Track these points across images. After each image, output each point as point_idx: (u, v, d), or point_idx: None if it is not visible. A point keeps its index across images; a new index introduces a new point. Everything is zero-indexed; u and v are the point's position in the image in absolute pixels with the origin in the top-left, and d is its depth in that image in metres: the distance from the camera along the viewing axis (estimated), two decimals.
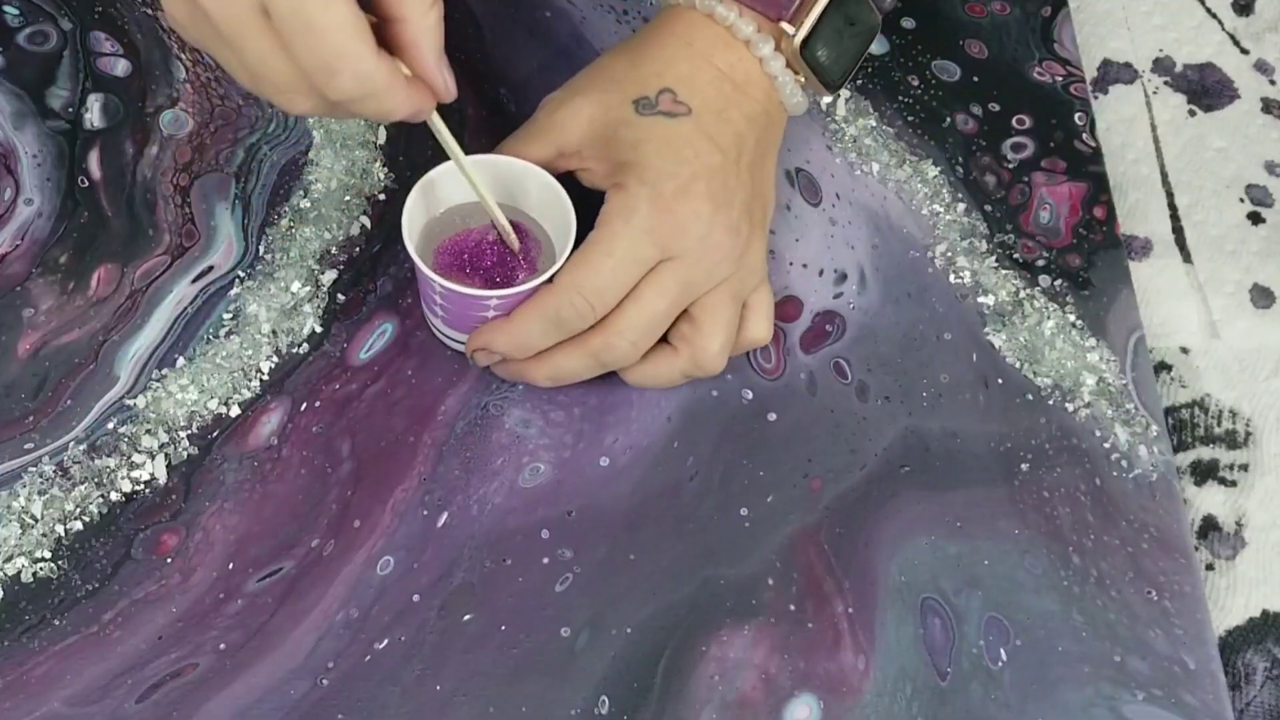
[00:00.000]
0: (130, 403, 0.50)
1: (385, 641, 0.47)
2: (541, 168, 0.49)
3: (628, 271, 0.46)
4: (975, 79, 0.60)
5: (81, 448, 0.49)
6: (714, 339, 0.48)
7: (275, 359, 0.51)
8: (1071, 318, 0.55)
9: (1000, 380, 0.54)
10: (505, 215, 0.48)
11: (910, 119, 0.59)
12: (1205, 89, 0.62)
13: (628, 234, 0.46)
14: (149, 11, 0.57)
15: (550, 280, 0.47)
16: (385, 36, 0.40)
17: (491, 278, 0.49)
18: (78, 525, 0.48)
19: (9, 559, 0.47)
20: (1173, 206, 0.60)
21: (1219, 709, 0.48)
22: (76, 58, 0.56)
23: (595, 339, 0.48)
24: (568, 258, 0.47)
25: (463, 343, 0.51)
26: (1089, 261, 0.57)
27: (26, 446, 0.49)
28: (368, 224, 0.54)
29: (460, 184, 0.48)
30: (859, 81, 0.59)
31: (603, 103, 0.49)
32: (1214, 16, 0.64)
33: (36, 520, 0.47)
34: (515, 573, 0.48)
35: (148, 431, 0.49)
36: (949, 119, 0.59)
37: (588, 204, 0.48)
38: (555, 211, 0.49)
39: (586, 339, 0.48)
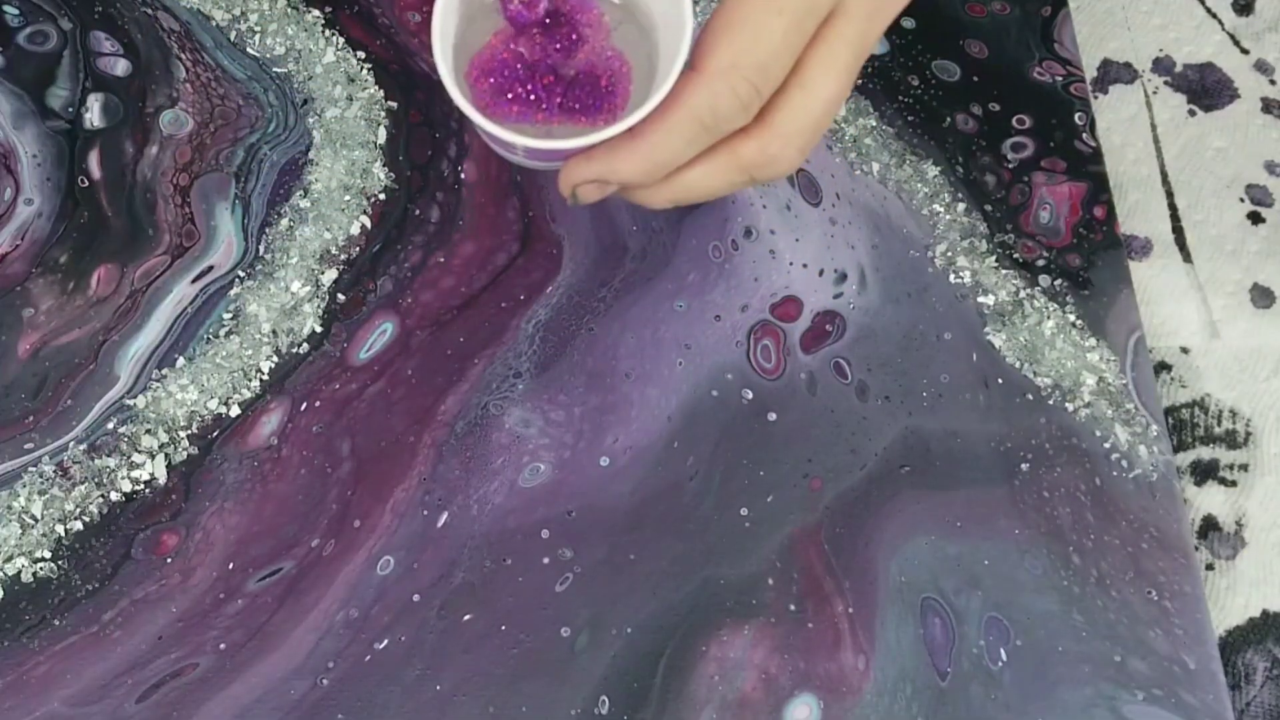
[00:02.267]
0: (130, 403, 0.50)
1: (385, 641, 0.47)
2: None
3: (801, 32, 0.35)
4: (975, 79, 0.60)
5: (81, 448, 0.49)
6: (813, 109, 0.36)
7: (275, 359, 0.51)
8: (1071, 318, 0.55)
9: (1000, 380, 0.54)
10: None
11: (910, 119, 0.59)
12: (1205, 89, 0.62)
13: None
14: (149, 11, 0.57)
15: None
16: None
17: (556, 100, 0.37)
18: (78, 525, 0.48)
19: (9, 559, 0.47)
20: (1173, 206, 0.60)
21: (1219, 709, 0.48)
22: (76, 58, 0.56)
23: (749, 148, 0.37)
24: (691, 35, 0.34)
25: (554, 168, 0.40)
26: (1089, 261, 0.57)
27: (26, 446, 0.49)
28: (368, 224, 0.54)
29: None
30: (859, 81, 0.59)
31: None
32: (1214, 16, 0.64)
33: (36, 520, 0.47)
34: (515, 573, 0.48)
35: (148, 431, 0.49)
36: (949, 119, 0.59)
37: None
38: None
39: (736, 148, 0.37)
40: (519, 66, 0.38)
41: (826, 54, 0.35)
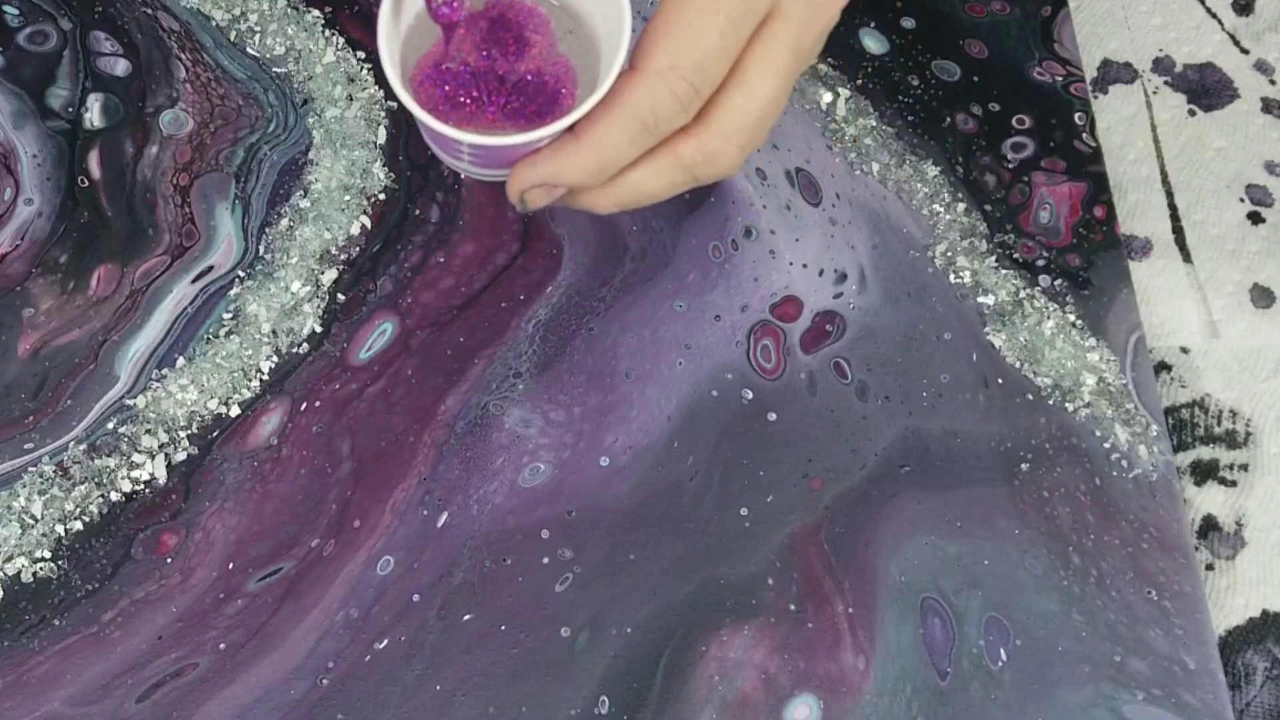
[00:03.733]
0: (130, 403, 0.50)
1: (385, 641, 0.47)
2: None
3: (739, 35, 0.35)
4: (975, 79, 0.60)
5: (81, 448, 0.49)
6: (751, 108, 0.36)
7: (275, 359, 0.51)
8: (1071, 318, 0.55)
9: (1000, 380, 0.54)
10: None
11: (910, 119, 0.59)
12: (1205, 89, 0.62)
13: None
14: (149, 11, 0.57)
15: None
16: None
17: (500, 103, 0.38)
18: (78, 525, 0.48)
19: (9, 559, 0.47)
20: (1173, 206, 0.60)
21: (1219, 709, 0.48)
22: (76, 58, 0.56)
23: (688, 146, 0.37)
24: (630, 37, 0.35)
25: (500, 177, 0.41)
26: (1089, 261, 0.57)
27: (26, 446, 0.49)
28: (368, 224, 0.54)
29: None
30: (859, 81, 0.59)
31: None
32: (1214, 16, 0.64)
33: (36, 520, 0.47)
34: (515, 573, 0.48)
35: (148, 431, 0.49)
36: (949, 119, 0.59)
37: None
38: None
39: (676, 147, 0.37)
40: (465, 71, 0.38)
41: (764, 55, 0.36)
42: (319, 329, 0.52)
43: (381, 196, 0.55)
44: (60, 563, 0.47)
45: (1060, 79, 0.61)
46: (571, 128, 0.37)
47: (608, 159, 0.36)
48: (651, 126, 0.36)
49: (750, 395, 0.52)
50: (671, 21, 0.35)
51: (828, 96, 0.59)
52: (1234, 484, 0.54)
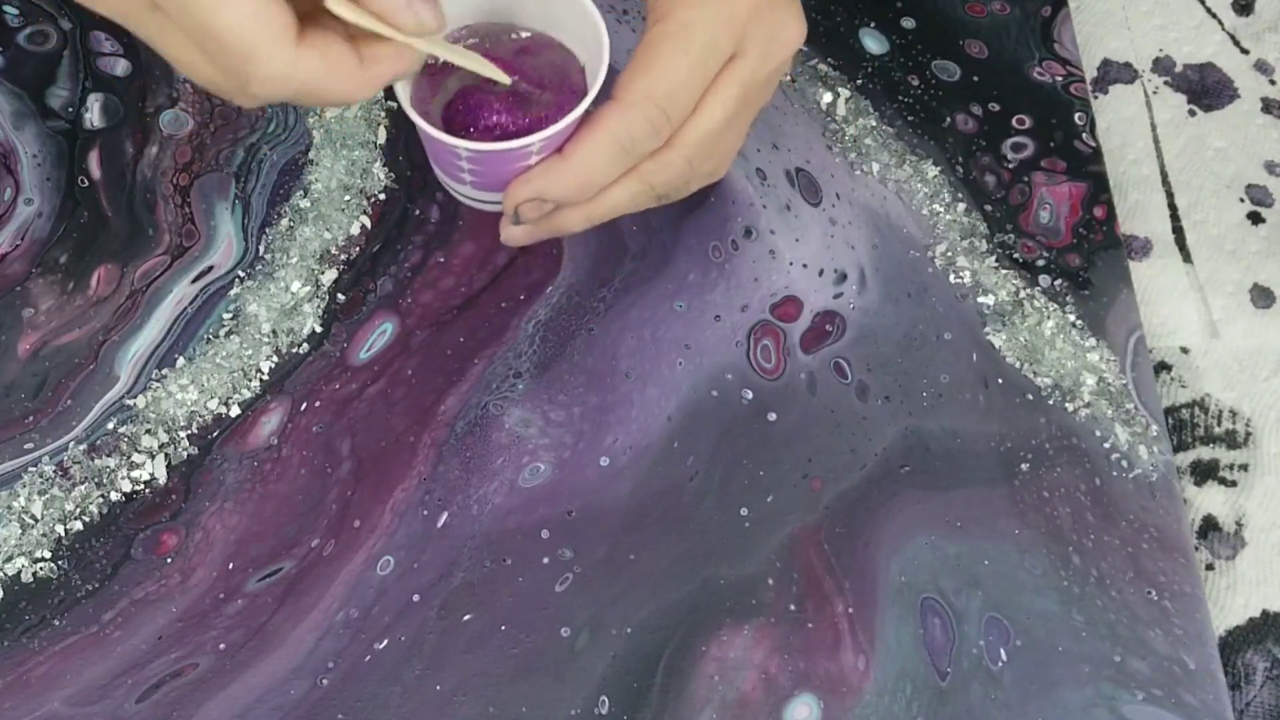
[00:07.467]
0: (130, 403, 0.50)
1: (385, 641, 0.47)
2: None
3: (705, 72, 0.40)
4: (975, 79, 0.60)
5: (81, 448, 0.49)
6: (701, 127, 0.41)
7: (275, 359, 0.51)
8: (1071, 318, 0.55)
9: (1000, 380, 0.54)
10: (509, 34, 0.43)
11: (910, 119, 0.59)
12: (1205, 89, 0.62)
13: (703, 24, 0.39)
14: None
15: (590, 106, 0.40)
16: None
17: (508, 126, 0.43)
18: (78, 525, 0.48)
19: (9, 559, 0.47)
20: (1173, 206, 0.60)
21: (1219, 709, 0.48)
22: (76, 58, 0.56)
23: (645, 160, 0.42)
24: (605, 70, 0.40)
25: (497, 203, 0.45)
26: (1089, 261, 0.57)
27: (26, 446, 0.49)
28: (368, 224, 0.54)
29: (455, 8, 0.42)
30: (859, 81, 0.59)
31: None
32: (1214, 16, 0.64)
33: (36, 520, 0.47)
34: (515, 573, 0.48)
35: (148, 431, 0.49)
36: (949, 119, 0.59)
37: None
38: (572, 18, 0.42)
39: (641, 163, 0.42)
40: (476, 114, 0.43)
41: (722, 87, 0.41)
42: (319, 329, 0.52)
43: (381, 196, 0.55)
44: (60, 563, 0.47)
45: (1060, 79, 0.61)
46: (559, 150, 0.42)
47: (592, 177, 0.41)
48: (629, 149, 0.40)
49: (750, 395, 0.52)
50: (647, 59, 0.40)
51: (828, 96, 0.59)
52: (1234, 484, 0.54)
